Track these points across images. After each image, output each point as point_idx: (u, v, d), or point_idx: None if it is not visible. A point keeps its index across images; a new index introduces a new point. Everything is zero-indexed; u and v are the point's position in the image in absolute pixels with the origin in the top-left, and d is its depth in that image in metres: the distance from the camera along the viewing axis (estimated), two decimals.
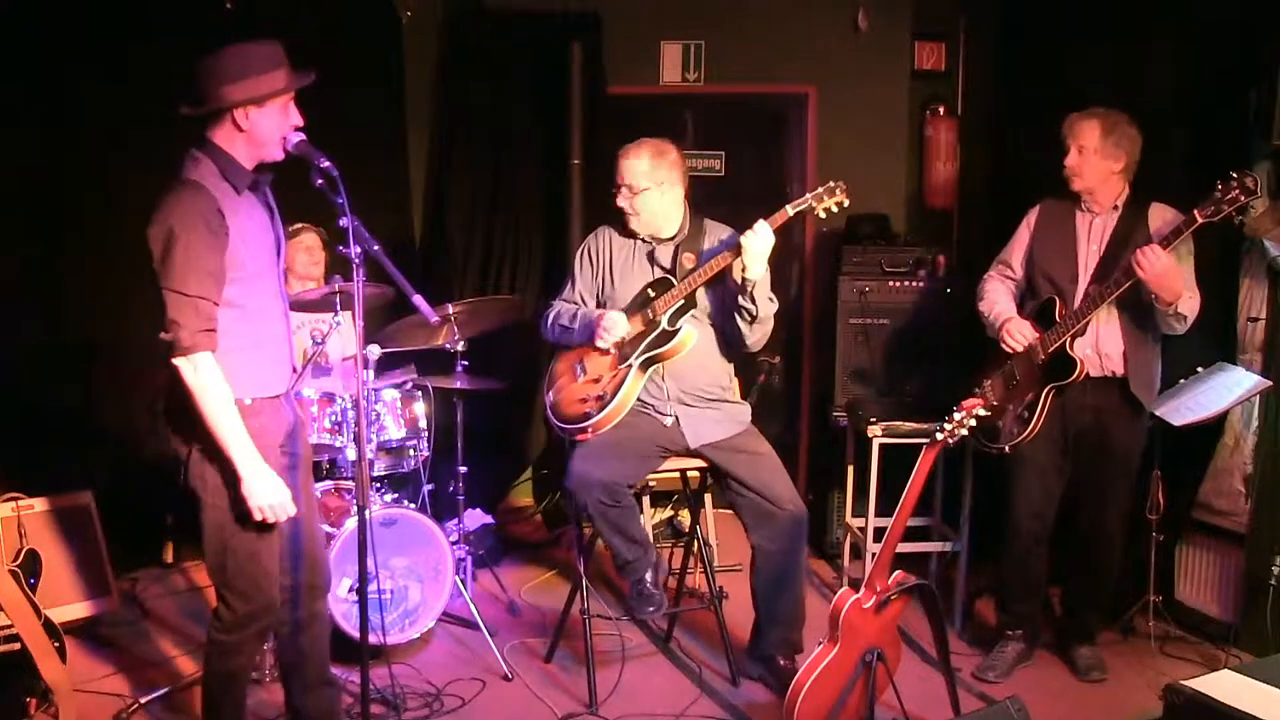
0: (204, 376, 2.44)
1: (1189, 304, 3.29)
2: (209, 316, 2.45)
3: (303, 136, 2.58)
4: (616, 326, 3.32)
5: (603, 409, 3.26)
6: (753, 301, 3.25)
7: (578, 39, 4.94)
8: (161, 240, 2.42)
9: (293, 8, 4.39)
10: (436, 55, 5.27)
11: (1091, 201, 3.47)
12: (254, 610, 2.64)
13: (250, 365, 2.57)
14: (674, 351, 3.31)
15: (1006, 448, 3.52)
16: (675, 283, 3.33)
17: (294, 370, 2.75)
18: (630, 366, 3.30)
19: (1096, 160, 3.38)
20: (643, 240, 3.44)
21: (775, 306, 3.36)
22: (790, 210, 3.22)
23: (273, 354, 2.66)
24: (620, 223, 3.47)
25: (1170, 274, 3.20)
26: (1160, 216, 3.39)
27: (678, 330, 3.29)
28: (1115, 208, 3.45)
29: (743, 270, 3.20)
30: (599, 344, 3.33)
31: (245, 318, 2.56)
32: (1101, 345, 3.41)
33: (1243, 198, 3.04)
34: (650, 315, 3.32)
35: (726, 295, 3.33)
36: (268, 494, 2.50)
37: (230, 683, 2.71)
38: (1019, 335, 3.47)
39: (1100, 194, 3.44)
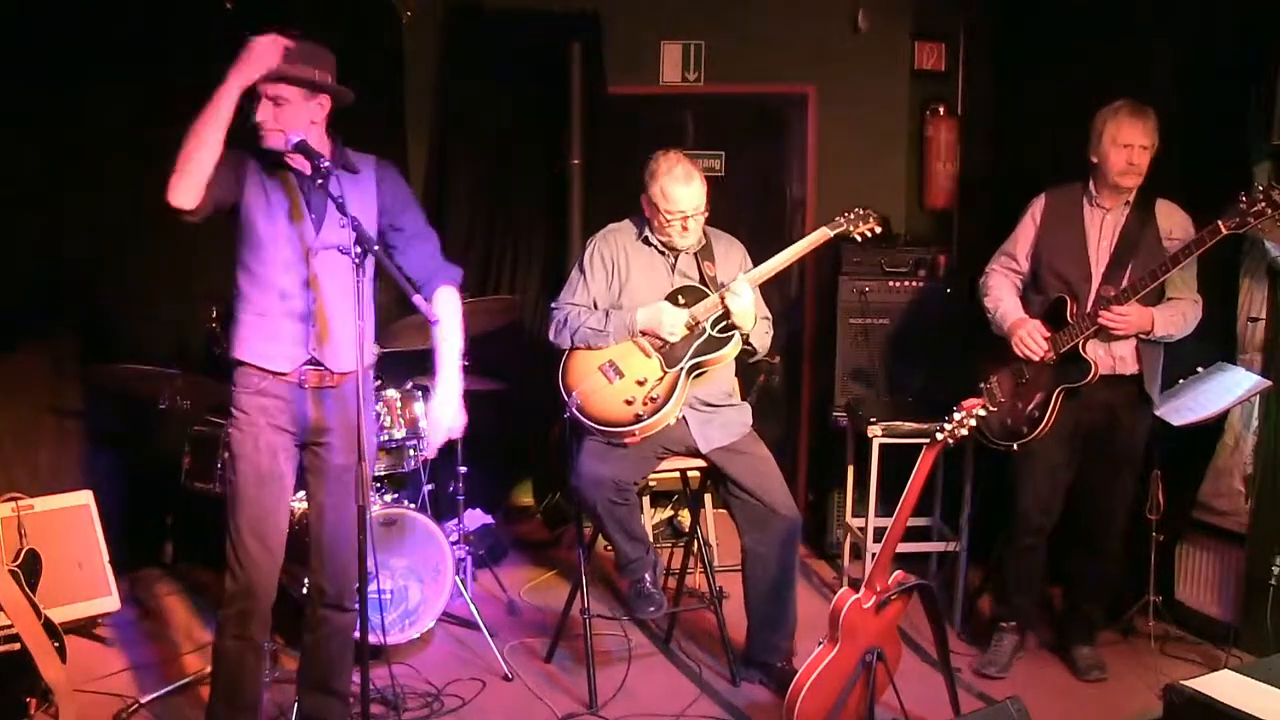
0: None
1: (1166, 325, 3.33)
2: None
3: (303, 136, 2.60)
4: (679, 324, 3.30)
5: (656, 412, 3.24)
6: (749, 344, 3.37)
7: (578, 39, 4.94)
8: None
9: (293, 8, 4.39)
10: (436, 55, 5.27)
11: (1101, 199, 3.46)
12: (236, 589, 2.71)
13: (250, 329, 2.73)
14: (722, 359, 3.34)
15: (1015, 446, 3.51)
16: (708, 291, 3.34)
17: (315, 359, 2.74)
18: (681, 371, 3.29)
19: (1148, 156, 3.37)
20: (659, 249, 3.43)
21: (770, 332, 3.45)
22: (831, 232, 3.37)
23: (274, 328, 2.71)
24: (636, 229, 3.44)
25: (1140, 319, 3.28)
26: (1168, 214, 3.40)
27: (729, 338, 3.31)
28: (1126, 203, 3.45)
29: (736, 324, 3.29)
30: (670, 339, 3.30)
31: (252, 280, 2.72)
32: (1114, 348, 3.41)
33: (1269, 211, 3.02)
34: (692, 321, 3.32)
35: None
36: None
37: (219, 660, 2.78)
38: (1033, 345, 3.45)
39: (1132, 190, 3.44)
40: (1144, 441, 3.52)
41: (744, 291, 3.27)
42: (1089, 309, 3.37)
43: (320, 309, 2.73)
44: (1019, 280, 3.64)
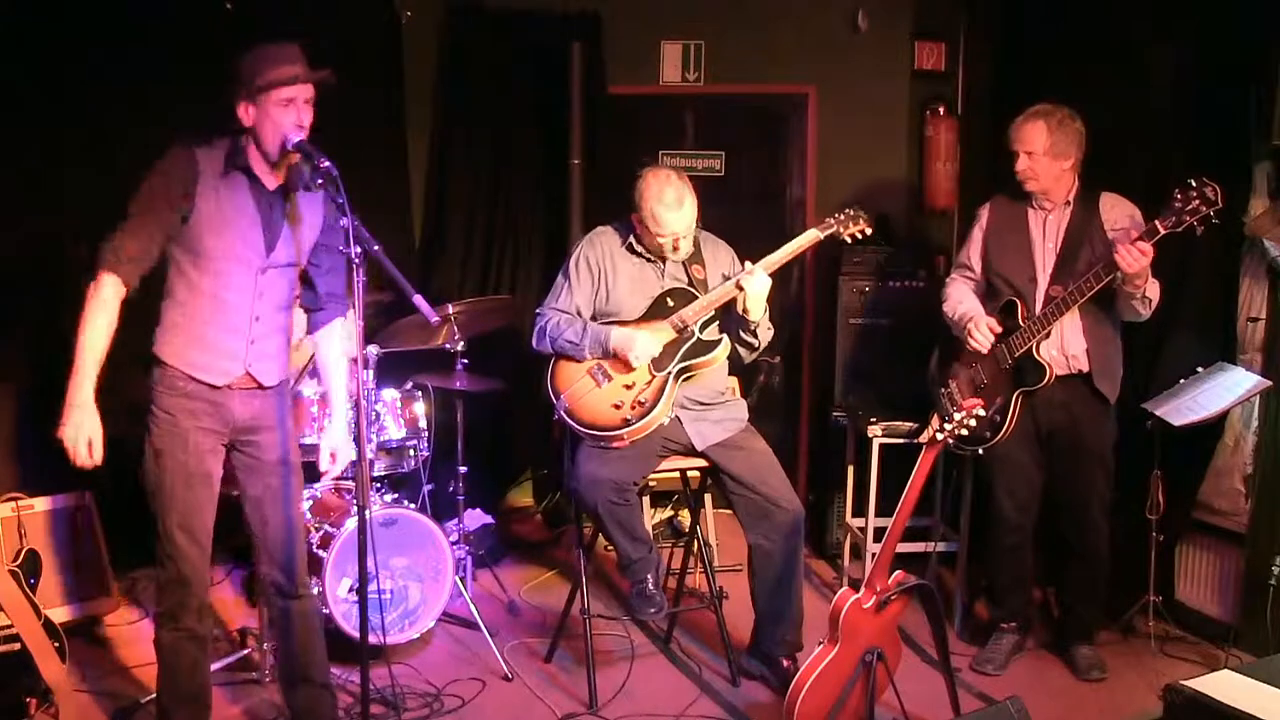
0: (96, 294, 2.55)
1: (1154, 288, 3.32)
2: (134, 250, 2.58)
3: (303, 136, 2.60)
4: (649, 352, 3.28)
5: (644, 416, 3.24)
6: (754, 335, 3.35)
7: (578, 39, 4.94)
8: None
9: (293, 8, 4.39)
10: (436, 55, 5.27)
11: (1044, 199, 3.48)
12: (168, 580, 2.72)
13: (186, 340, 2.68)
14: (711, 362, 3.33)
15: (980, 450, 3.53)
16: (696, 294, 3.34)
17: (250, 375, 2.74)
18: (669, 375, 3.29)
19: (1047, 161, 3.39)
20: (647, 257, 3.41)
21: (772, 333, 3.44)
22: (821, 234, 3.35)
23: (213, 341, 2.69)
24: (622, 235, 3.43)
25: (1148, 266, 3.22)
26: (1112, 208, 3.42)
27: (717, 342, 3.31)
28: (1067, 203, 3.47)
29: (744, 310, 3.26)
30: (635, 364, 3.27)
31: (196, 293, 2.67)
32: (1066, 347, 3.43)
33: (1203, 208, 3.03)
34: (680, 324, 3.32)
35: (726, 315, 3.37)
36: (74, 428, 2.49)
37: (159, 653, 2.78)
38: (980, 337, 3.47)
39: (1054, 193, 3.46)
40: (1111, 440, 3.52)
41: (761, 276, 3.25)
42: (1038, 311, 3.39)
43: (262, 325, 2.75)
44: (975, 287, 3.67)
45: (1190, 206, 3.04)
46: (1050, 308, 3.36)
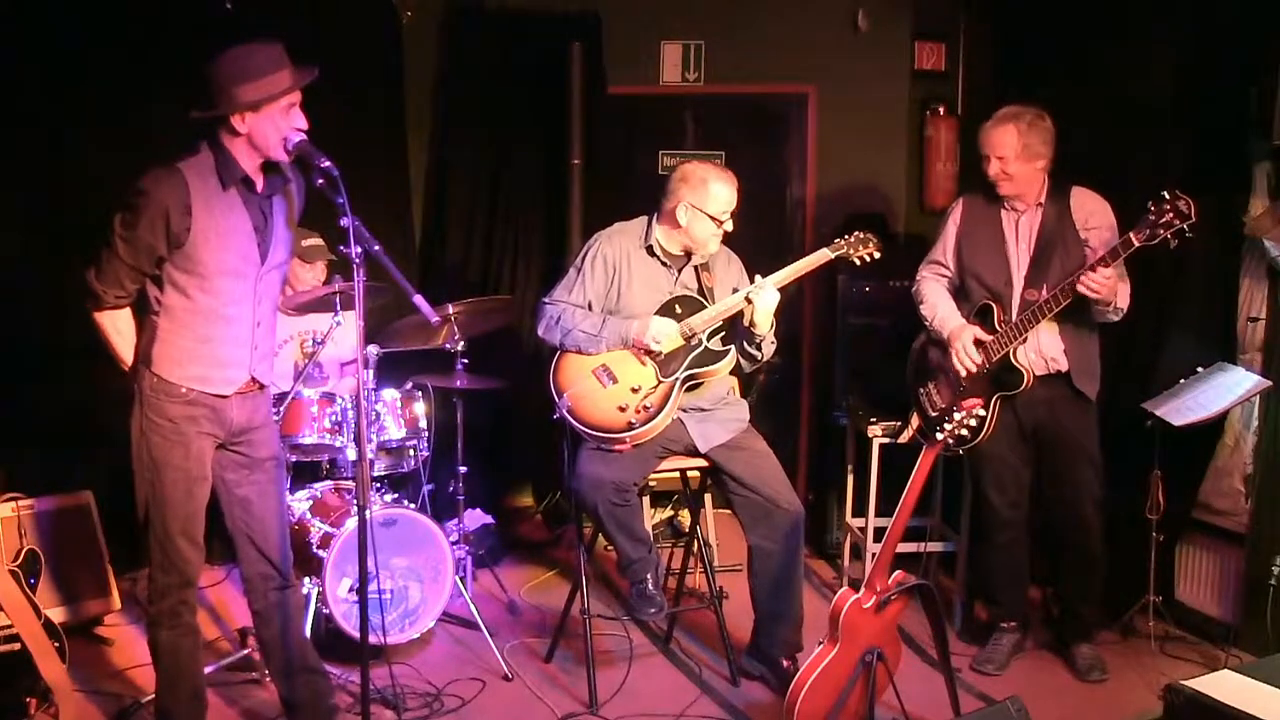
0: (111, 326, 2.71)
1: (1123, 296, 3.33)
2: (126, 288, 2.64)
3: (304, 137, 2.60)
4: (669, 338, 3.29)
5: (648, 421, 3.25)
6: (759, 349, 3.34)
7: (578, 39, 4.95)
8: (126, 196, 2.57)
9: (293, 8, 4.39)
10: (436, 56, 5.27)
11: (1016, 201, 3.48)
12: (169, 584, 2.71)
13: (185, 355, 2.66)
14: (717, 372, 3.34)
15: (961, 451, 3.53)
16: (705, 302, 3.34)
17: (253, 378, 2.76)
18: (676, 381, 3.29)
19: (1019, 165, 3.38)
20: (662, 260, 3.41)
21: (775, 346, 3.43)
22: (831, 254, 3.35)
23: (217, 355, 2.69)
24: (640, 236, 3.42)
25: (1115, 285, 3.23)
26: (1083, 203, 3.41)
27: (725, 352, 3.32)
28: (1039, 204, 3.46)
29: (752, 323, 3.26)
30: (654, 348, 3.28)
31: (195, 311, 2.65)
32: (1044, 350, 3.43)
33: (1177, 221, 3.02)
34: (689, 332, 3.31)
35: (732, 327, 3.37)
36: None
37: (158, 654, 2.78)
38: (967, 361, 3.46)
39: (1027, 195, 3.46)
40: (1095, 434, 3.52)
41: (771, 290, 3.25)
42: (1015, 317, 3.39)
43: (263, 328, 2.77)
44: (948, 284, 3.66)
45: (1164, 220, 3.04)
46: (1026, 315, 3.35)
